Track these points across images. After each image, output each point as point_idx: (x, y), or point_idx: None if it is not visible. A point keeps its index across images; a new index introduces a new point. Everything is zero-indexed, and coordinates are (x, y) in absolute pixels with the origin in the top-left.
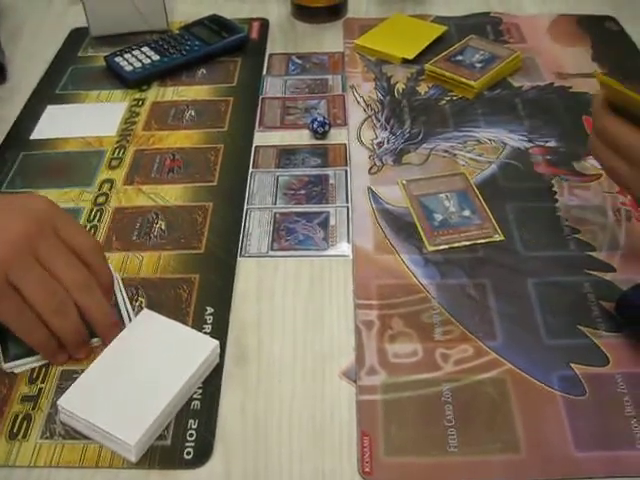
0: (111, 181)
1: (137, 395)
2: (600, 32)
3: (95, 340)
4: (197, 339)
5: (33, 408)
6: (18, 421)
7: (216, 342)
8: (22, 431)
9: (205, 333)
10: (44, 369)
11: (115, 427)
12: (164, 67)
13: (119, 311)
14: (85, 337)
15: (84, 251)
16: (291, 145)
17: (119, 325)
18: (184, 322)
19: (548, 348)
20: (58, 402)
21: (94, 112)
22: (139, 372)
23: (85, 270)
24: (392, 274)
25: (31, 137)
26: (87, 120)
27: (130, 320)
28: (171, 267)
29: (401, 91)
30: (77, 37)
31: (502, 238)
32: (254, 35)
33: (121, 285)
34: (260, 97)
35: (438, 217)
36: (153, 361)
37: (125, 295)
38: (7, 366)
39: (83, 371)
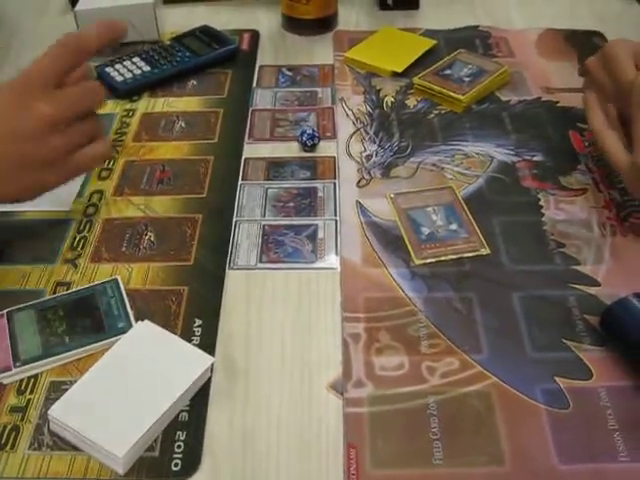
0: (101, 192)
1: (128, 407)
2: (587, 47)
3: None
4: (193, 354)
5: (21, 419)
6: (6, 432)
7: (212, 359)
8: (10, 442)
9: (194, 345)
10: (32, 380)
11: (104, 439)
12: (155, 78)
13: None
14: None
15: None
16: (280, 157)
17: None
18: (173, 333)
19: (533, 361)
20: (49, 411)
21: None
22: (132, 384)
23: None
24: (379, 287)
25: None
26: None
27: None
28: (160, 279)
29: (390, 104)
30: None
31: (488, 252)
32: (245, 46)
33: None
34: (250, 109)
35: (425, 230)
36: (147, 374)
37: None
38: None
39: (72, 382)
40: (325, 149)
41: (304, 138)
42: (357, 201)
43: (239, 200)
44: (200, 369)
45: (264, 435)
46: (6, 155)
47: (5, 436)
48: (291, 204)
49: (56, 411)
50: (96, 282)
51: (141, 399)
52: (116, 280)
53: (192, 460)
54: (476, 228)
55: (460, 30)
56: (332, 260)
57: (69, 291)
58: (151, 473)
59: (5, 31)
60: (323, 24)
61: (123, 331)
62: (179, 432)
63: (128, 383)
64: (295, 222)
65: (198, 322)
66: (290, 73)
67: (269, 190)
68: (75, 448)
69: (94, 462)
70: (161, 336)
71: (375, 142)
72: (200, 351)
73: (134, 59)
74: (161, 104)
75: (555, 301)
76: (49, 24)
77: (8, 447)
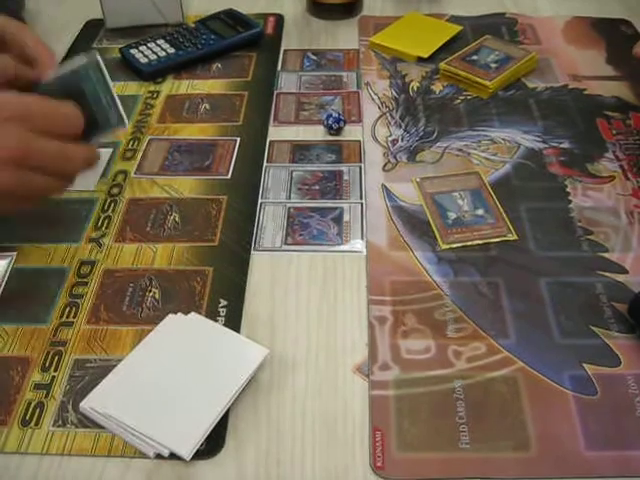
0: (125, 172)
1: (185, 403)
2: (615, 35)
3: None
4: (247, 346)
5: (46, 396)
6: (31, 409)
7: (267, 350)
8: (34, 419)
9: (219, 325)
10: (57, 357)
11: (167, 437)
12: (179, 60)
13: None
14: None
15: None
16: (305, 141)
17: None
18: (198, 314)
19: (560, 347)
20: (88, 405)
21: None
22: (183, 377)
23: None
24: (405, 271)
25: None
26: None
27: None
28: (185, 259)
29: (416, 89)
30: (92, 28)
31: (515, 237)
32: (269, 30)
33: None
34: (275, 92)
35: (452, 215)
36: (200, 367)
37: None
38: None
39: (97, 360)
40: (350, 133)
41: (330, 121)
42: (383, 185)
43: (264, 182)
44: (256, 361)
45: (289, 417)
46: None
47: (30, 412)
48: (316, 187)
49: (99, 402)
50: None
51: (198, 394)
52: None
53: (216, 441)
54: (503, 214)
55: (486, 17)
56: (358, 243)
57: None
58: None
59: (30, 10)
60: (348, 9)
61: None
62: None
63: (179, 376)
64: (320, 205)
65: (223, 303)
66: (315, 57)
67: (294, 173)
68: (99, 426)
69: (118, 440)
70: (210, 328)
71: (401, 127)
72: (254, 343)
73: (158, 41)
74: (185, 86)
75: (582, 288)
76: (72, 6)
77: (33, 423)
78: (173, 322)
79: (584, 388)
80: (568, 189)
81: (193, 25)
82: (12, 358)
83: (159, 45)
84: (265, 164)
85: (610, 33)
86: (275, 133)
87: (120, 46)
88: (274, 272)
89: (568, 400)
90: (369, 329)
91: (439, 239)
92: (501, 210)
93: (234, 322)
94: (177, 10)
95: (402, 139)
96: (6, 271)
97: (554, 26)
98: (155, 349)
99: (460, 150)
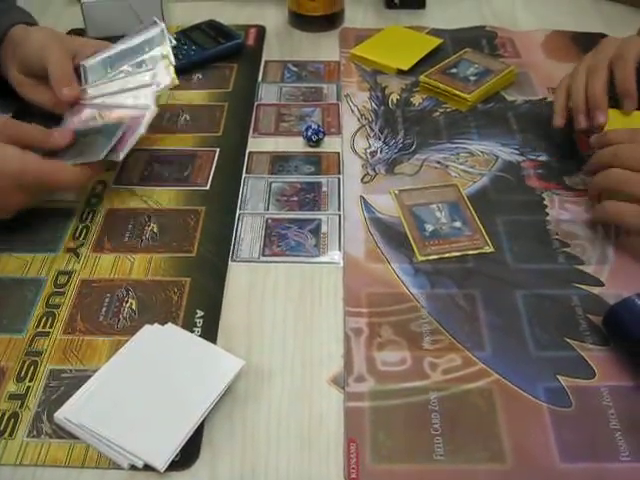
0: (104, 182)
1: (159, 414)
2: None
3: None
4: (222, 358)
5: (20, 406)
6: (5, 419)
7: (242, 362)
8: (9, 429)
9: (196, 336)
10: (32, 367)
11: (140, 449)
12: None
13: None
14: None
15: None
16: (285, 152)
17: None
18: (174, 324)
19: (535, 359)
20: (63, 415)
21: None
22: (158, 388)
23: None
24: (382, 283)
25: None
26: None
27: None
28: (162, 270)
29: (395, 101)
30: None
31: (492, 250)
32: (250, 41)
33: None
34: (255, 103)
35: (429, 227)
36: (174, 378)
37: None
38: None
39: (72, 371)
40: (330, 145)
41: (309, 133)
42: (361, 196)
43: (243, 193)
44: (232, 373)
45: (264, 428)
46: None
47: (4, 423)
48: (295, 198)
49: (74, 413)
50: None
51: (173, 405)
52: None
53: (191, 452)
54: (480, 226)
55: (466, 30)
56: (335, 255)
57: None
58: None
59: None
60: (330, 21)
61: None
62: None
63: (154, 387)
64: (299, 216)
65: (200, 313)
66: (296, 69)
67: (273, 184)
68: (74, 437)
69: (92, 451)
70: (186, 339)
71: (380, 139)
72: (230, 354)
73: None
74: (165, 97)
75: (558, 300)
76: (54, 16)
77: (7, 434)
78: (149, 333)
79: (559, 400)
80: (545, 202)
81: (174, 35)
82: None
83: None
84: (244, 175)
85: (589, 47)
86: (255, 144)
87: None
88: (251, 283)
89: (543, 412)
90: (345, 341)
91: (416, 251)
92: (478, 222)
93: (210, 333)
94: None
95: (381, 151)
96: None
97: (534, 40)
98: (131, 360)
99: (438, 162)
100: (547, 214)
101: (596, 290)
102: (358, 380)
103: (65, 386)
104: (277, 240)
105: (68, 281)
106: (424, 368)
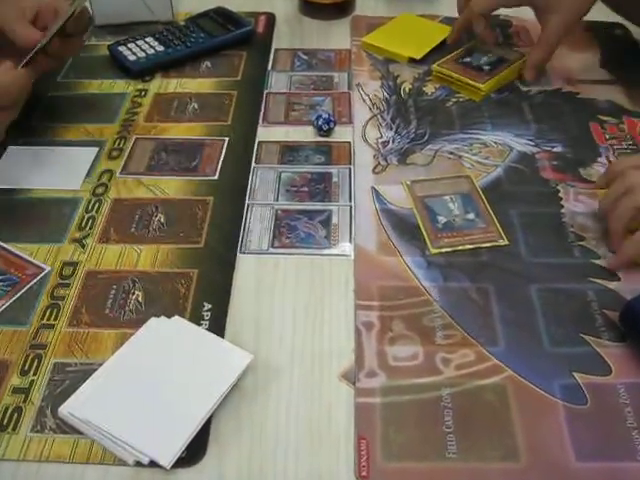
0: (110, 171)
1: (165, 410)
2: (609, 39)
3: None
4: (230, 352)
5: (24, 401)
6: (8, 413)
7: (251, 356)
8: (12, 424)
9: (203, 329)
10: (36, 361)
11: (147, 445)
12: (168, 58)
13: None
14: None
15: None
16: (295, 141)
17: None
18: (181, 317)
19: (550, 356)
20: (67, 410)
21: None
22: (165, 382)
23: None
24: (394, 276)
25: (33, 123)
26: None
27: None
28: (169, 261)
29: (407, 91)
30: None
31: (506, 243)
32: (260, 29)
33: None
34: (265, 92)
35: (442, 219)
36: (181, 372)
37: None
38: None
39: (77, 365)
40: (340, 134)
41: (319, 122)
42: (372, 187)
43: (252, 183)
44: (240, 368)
45: (272, 424)
46: None
47: (7, 417)
48: (305, 189)
49: (78, 408)
50: None
51: (180, 401)
52: None
53: (198, 448)
54: (494, 218)
55: None
56: (346, 247)
57: None
58: None
59: None
60: (341, 9)
61: None
62: None
63: (160, 382)
64: (309, 207)
65: (207, 306)
66: (306, 57)
67: (283, 174)
68: (78, 432)
69: (97, 447)
70: (194, 332)
71: (392, 128)
72: (238, 348)
73: (147, 39)
74: (174, 85)
75: (573, 295)
76: None
77: (10, 429)
78: (156, 326)
79: (574, 397)
80: (560, 194)
81: (183, 23)
82: None
83: (148, 43)
84: (253, 165)
85: (604, 37)
86: (264, 133)
87: (108, 43)
88: (260, 275)
89: (558, 409)
90: (356, 335)
91: (429, 243)
92: (492, 215)
93: (218, 326)
94: (167, 8)
95: (393, 141)
96: None
97: None
98: (137, 353)
99: (451, 153)
100: (562, 206)
101: (612, 285)
102: (369, 375)
103: (70, 380)
104: (287, 231)
105: (73, 272)
106: (436, 363)
